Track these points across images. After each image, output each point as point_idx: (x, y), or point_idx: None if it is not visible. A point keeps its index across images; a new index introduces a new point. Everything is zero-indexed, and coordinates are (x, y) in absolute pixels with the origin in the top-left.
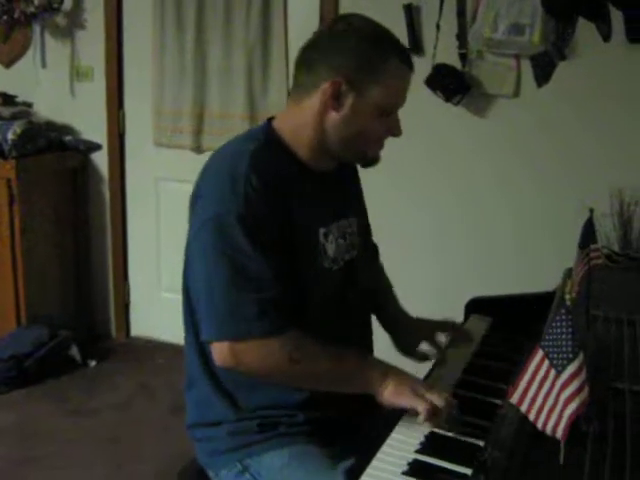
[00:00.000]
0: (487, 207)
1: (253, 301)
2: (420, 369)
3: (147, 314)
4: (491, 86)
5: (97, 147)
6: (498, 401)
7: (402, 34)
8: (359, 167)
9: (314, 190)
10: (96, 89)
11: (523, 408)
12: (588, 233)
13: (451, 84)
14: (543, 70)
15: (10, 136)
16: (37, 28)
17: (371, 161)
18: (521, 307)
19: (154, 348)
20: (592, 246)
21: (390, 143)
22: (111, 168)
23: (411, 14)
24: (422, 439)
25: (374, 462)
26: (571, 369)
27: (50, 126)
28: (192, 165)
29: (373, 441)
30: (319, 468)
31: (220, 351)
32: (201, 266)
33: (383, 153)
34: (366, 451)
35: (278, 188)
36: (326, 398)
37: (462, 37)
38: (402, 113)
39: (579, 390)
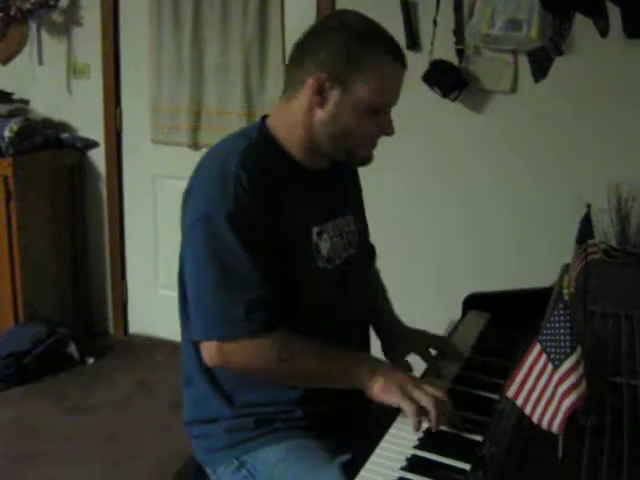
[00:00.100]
0: (485, 203)
1: (241, 301)
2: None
3: (145, 311)
4: (488, 82)
5: (94, 144)
6: (496, 396)
7: (399, 30)
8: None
9: (307, 189)
10: (93, 86)
11: (519, 402)
12: (585, 228)
13: (448, 80)
14: (540, 65)
15: (7, 133)
16: (33, 25)
17: (362, 161)
18: (519, 303)
19: (152, 345)
20: (589, 241)
21: (387, 140)
22: (108, 165)
23: (408, 10)
24: (420, 435)
25: (372, 457)
26: (569, 363)
27: (47, 123)
28: (189, 162)
29: (370, 436)
30: (315, 462)
31: (209, 350)
32: (191, 265)
33: (380, 150)
34: (363, 446)
35: (269, 187)
36: (322, 394)
37: (459, 33)
38: (399, 109)
39: (576, 384)
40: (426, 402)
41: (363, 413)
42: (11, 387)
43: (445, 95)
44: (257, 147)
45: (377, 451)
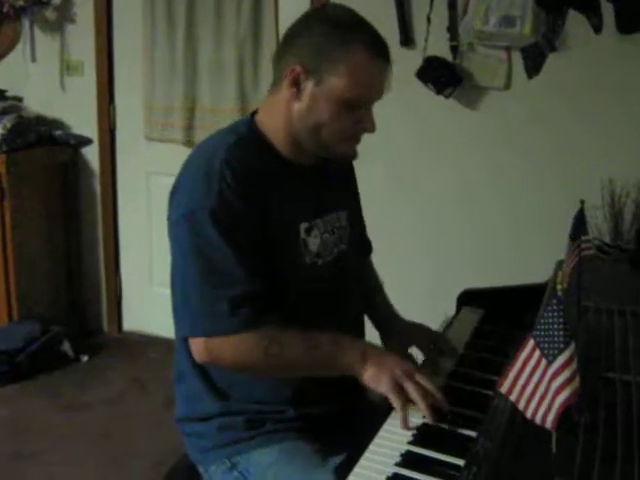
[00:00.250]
0: (479, 199)
1: (226, 297)
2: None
3: (139, 309)
4: (482, 78)
5: (88, 141)
6: (490, 392)
7: (393, 27)
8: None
9: (296, 184)
10: (86, 83)
11: (512, 397)
12: (579, 224)
13: (442, 76)
14: (534, 62)
15: (0, 130)
16: (26, 22)
17: (344, 157)
18: (513, 299)
19: (146, 343)
20: (583, 237)
21: (381, 137)
22: (102, 162)
23: (402, 6)
24: (415, 430)
25: (367, 453)
26: (562, 359)
27: (40, 120)
28: (183, 160)
29: (364, 435)
30: (308, 465)
31: (196, 347)
32: (176, 262)
33: (374, 146)
34: (357, 445)
35: (255, 183)
36: (315, 393)
37: (453, 29)
38: (392, 106)
39: (570, 380)
40: (415, 395)
41: (356, 412)
42: (5, 385)
43: (439, 91)
44: (244, 143)
45: (371, 447)
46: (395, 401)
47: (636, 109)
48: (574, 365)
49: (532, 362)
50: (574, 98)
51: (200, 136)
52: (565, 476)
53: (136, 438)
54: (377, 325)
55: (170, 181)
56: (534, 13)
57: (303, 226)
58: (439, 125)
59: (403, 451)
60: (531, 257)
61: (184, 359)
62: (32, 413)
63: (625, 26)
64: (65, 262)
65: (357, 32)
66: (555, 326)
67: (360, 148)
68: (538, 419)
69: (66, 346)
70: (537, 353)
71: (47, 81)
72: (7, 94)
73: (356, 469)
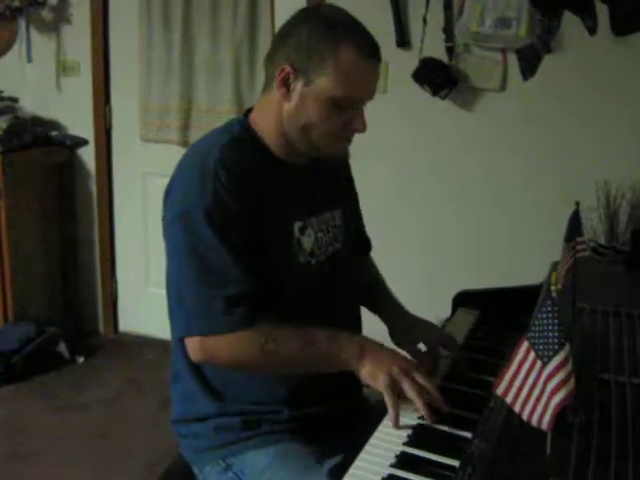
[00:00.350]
0: (474, 200)
1: (221, 296)
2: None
3: (135, 310)
4: (478, 80)
5: (84, 142)
6: (485, 394)
7: (389, 28)
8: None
9: (290, 183)
10: (82, 84)
11: (508, 399)
12: (574, 226)
13: (438, 78)
14: (529, 63)
15: None
16: (23, 23)
17: (334, 157)
18: (508, 300)
19: (142, 344)
20: (578, 239)
21: (377, 138)
22: (98, 163)
23: (398, 8)
24: (410, 431)
25: (362, 455)
26: (557, 360)
27: (36, 121)
28: None
29: (359, 436)
30: (303, 468)
31: (192, 346)
32: (171, 261)
33: (370, 147)
34: (353, 446)
35: (249, 183)
36: (311, 393)
37: (449, 31)
38: (389, 107)
39: (565, 381)
40: (412, 392)
41: (352, 412)
42: (1, 386)
43: (435, 93)
44: (238, 142)
45: (366, 448)
46: (388, 399)
47: (631, 110)
48: (569, 366)
49: (527, 364)
50: (569, 100)
51: (196, 137)
52: (560, 477)
53: (132, 439)
54: (386, 320)
55: (166, 182)
56: (529, 15)
57: (297, 225)
58: (435, 126)
59: (398, 452)
60: (526, 258)
61: (180, 360)
62: (28, 414)
63: (619, 28)
64: (61, 263)
65: (347, 31)
66: (550, 327)
67: (356, 149)
68: (534, 421)
69: (62, 347)
70: (532, 355)
71: (43, 81)
72: (3, 95)
73: (351, 470)
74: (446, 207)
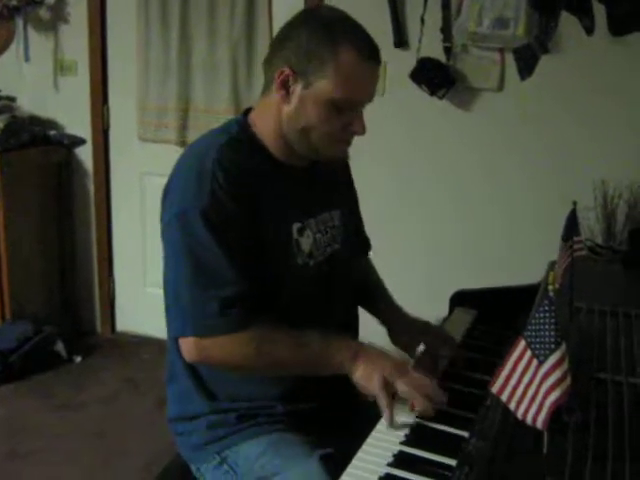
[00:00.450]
0: (472, 200)
1: (216, 298)
2: None
3: (132, 309)
4: (476, 80)
5: (81, 142)
6: (482, 392)
7: (386, 28)
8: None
9: (288, 185)
10: (80, 83)
11: (504, 397)
12: (571, 225)
13: (436, 78)
14: (526, 63)
15: None
16: (20, 22)
17: (333, 159)
18: (506, 300)
19: (139, 343)
20: (575, 238)
21: (375, 137)
22: (95, 163)
23: (395, 7)
24: (407, 431)
25: (359, 454)
26: (553, 359)
27: (34, 120)
28: None
29: (354, 433)
30: (295, 454)
31: (187, 347)
32: (168, 261)
33: (369, 148)
34: (346, 443)
35: (247, 184)
36: (305, 392)
37: (447, 31)
38: (387, 107)
39: (561, 380)
40: (407, 392)
41: (347, 408)
42: None
43: (433, 93)
44: (236, 143)
45: (364, 447)
46: (381, 400)
47: (629, 110)
48: (565, 365)
49: (523, 363)
50: (567, 99)
51: (194, 137)
52: (556, 476)
53: (129, 438)
54: (383, 321)
55: (164, 181)
56: (527, 15)
57: (296, 226)
58: (433, 126)
59: (395, 451)
60: (524, 257)
61: (176, 359)
62: (26, 413)
63: (617, 28)
64: (58, 262)
65: (346, 33)
66: (546, 326)
67: (354, 149)
68: (529, 419)
69: (59, 346)
70: (528, 353)
71: (41, 81)
72: (0, 94)
73: (349, 469)
74: (444, 206)
